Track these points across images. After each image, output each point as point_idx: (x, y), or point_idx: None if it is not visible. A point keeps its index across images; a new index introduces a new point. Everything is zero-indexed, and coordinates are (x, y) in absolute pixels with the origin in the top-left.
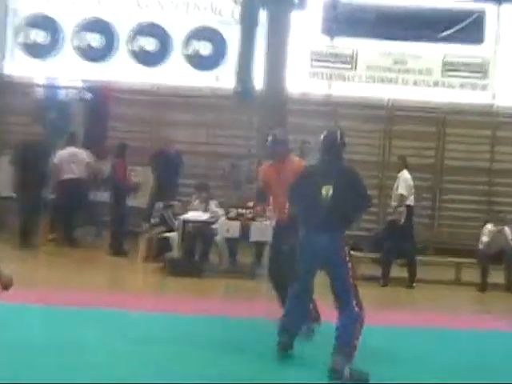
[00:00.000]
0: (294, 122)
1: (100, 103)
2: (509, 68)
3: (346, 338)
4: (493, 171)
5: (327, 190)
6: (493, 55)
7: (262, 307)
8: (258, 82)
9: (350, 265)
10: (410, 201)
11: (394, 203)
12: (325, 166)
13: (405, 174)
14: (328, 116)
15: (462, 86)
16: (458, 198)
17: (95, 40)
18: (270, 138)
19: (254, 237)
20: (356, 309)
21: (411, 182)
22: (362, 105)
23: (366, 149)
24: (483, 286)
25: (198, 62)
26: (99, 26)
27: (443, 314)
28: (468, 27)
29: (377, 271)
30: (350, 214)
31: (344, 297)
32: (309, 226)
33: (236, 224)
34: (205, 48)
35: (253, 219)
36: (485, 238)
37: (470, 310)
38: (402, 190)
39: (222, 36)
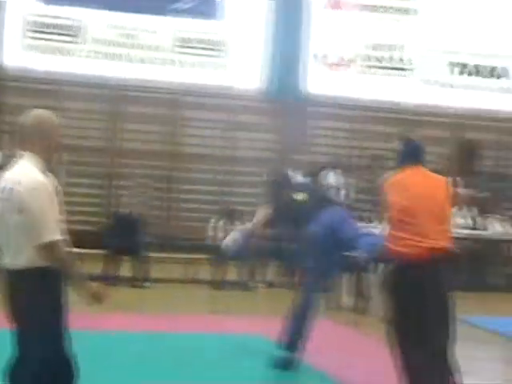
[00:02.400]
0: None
1: None
2: (247, 47)
3: None
4: (231, 159)
5: None
6: (232, 33)
7: None
8: None
9: None
10: None
11: None
12: None
13: None
14: (50, 95)
15: (199, 65)
16: (194, 188)
17: None
18: None
19: None
20: None
21: None
22: (88, 83)
23: (93, 133)
24: (219, 284)
25: None
26: None
27: (175, 315)
28: (203, 0)
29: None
30: None
31: None
32: None
33: None
34: None
35: None
36: (212, 233)
37: (205, 310)
38: None
39: None
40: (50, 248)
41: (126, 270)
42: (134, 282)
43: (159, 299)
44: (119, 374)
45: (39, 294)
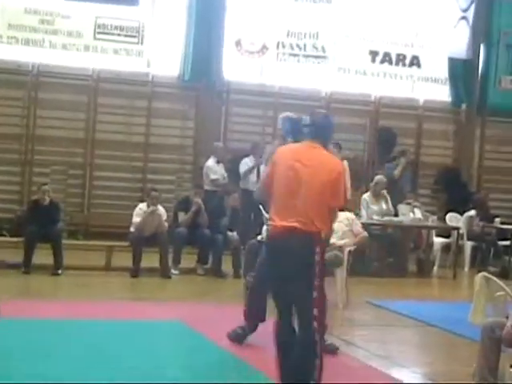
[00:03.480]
0: None
1: None
2: (164, 34)
3: None
4: (149, 145)
5: None
6: (148, 19)
7: None
8: None
9: None
10: None
11: None
12: None
13: None
14: None
15: (115, 51)
16: (111, 175)
17: None
18: None
19: None
20: None
21: None
22: (3, 69)
23: (9, 120)
24: (136, 272)
25: None
26: None
27: (93, 302)
28: None
29: (20, 257)
30: None
31: None
32: None
33: None
34: None
35: None
36: (137, 219)
37: (122, 297)
38: None
39: None
40: None
41: (44, 257)
42: (52, 269)
43: (77, 286)
44: (33, 361)
45: None
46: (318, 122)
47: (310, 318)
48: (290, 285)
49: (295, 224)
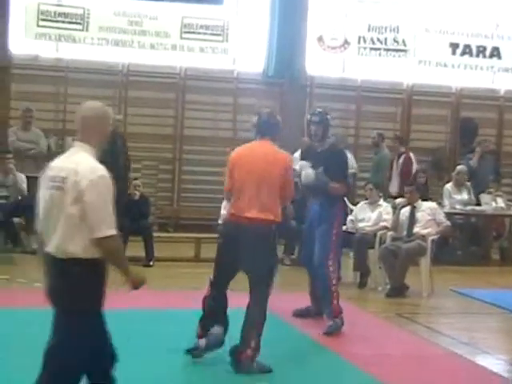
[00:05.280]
0: (19, 89)
1: None
2: (248, 31)
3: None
4: (236, 140)
5: None
6: (233, 17)
7: None
8: None
9: None
10: None
11: None
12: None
13: None
14: (57, 82)
15: (201, 49)
16: (199, 169)
17: None
18: None
19: None
20: None
21: None
22: (94, 69)
23: None
24: None
25: None
26: None
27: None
28: None
29: None
30: None
31: None
32: None
33: None
34: None
35: None
36: (225, 212)
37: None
38: None
39: None
40: (106, 242)
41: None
42: (144, 261)
43: (167, 277)
44: (136, 351)
45: (86, 281)
46: (262, 121)
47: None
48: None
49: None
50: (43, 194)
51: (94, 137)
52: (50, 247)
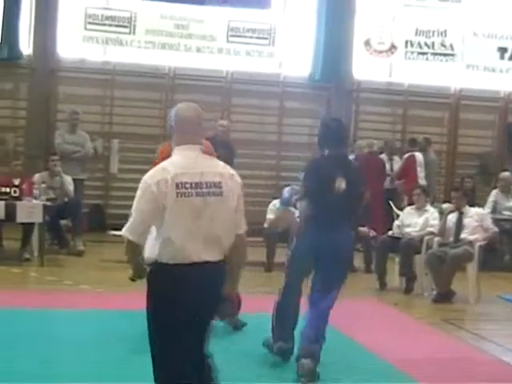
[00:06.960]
0: (66, 92)
1: None
2: (295, 35)
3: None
4: (281, 144)
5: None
6: (279, 21)
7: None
8: (25, 45)
9: None
10: None
11: None
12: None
13: None
14: (104, 85)
15: (247, 53)
16: (246, 172)
17: None
18: None
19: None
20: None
21: None
22: (141, 72)
23: (147, 121)
24: (270, 266)
25: None
26: None
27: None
28: None
29: None
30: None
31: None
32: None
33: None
34: None
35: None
36: (271, 216)
37: (257, 291)
38: None
39: None
40: (243, 238)
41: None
42: None
43: None
44: None
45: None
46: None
47: None
48: None
49: None
50: (189, 202)
51: (199, 138)
52: (210, 255)
